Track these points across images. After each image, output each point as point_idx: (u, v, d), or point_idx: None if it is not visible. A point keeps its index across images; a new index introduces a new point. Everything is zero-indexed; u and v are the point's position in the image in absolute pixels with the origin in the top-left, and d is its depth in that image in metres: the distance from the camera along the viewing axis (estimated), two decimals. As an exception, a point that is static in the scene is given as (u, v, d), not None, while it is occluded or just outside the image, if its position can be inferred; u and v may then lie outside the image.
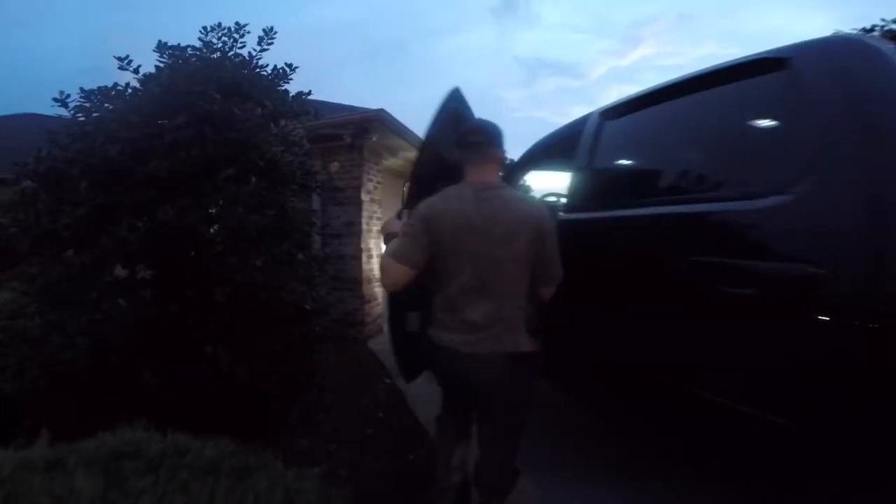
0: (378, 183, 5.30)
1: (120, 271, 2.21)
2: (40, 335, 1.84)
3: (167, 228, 1.82)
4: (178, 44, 2.28)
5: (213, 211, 2.07)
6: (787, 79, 1.21)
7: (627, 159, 1.97)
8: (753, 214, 1.17)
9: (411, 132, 5.29)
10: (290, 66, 2.61)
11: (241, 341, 1.87)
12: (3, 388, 1.93)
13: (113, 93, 2.09)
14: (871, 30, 5.43)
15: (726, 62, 1.47)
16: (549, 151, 2.59)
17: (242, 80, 2.37)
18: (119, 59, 2.11)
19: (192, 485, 1.00)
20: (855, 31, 5.11)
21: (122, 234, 1.74)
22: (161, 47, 2.24)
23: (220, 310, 1.97)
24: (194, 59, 2.25)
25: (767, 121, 1.34)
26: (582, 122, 2.13)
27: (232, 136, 2.12)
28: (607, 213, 1.74)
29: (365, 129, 4.77)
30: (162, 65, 2.24)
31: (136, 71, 2.19)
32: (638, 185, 1.76)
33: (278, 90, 2.60)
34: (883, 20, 5.29)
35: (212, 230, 2.10)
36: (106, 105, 2.09)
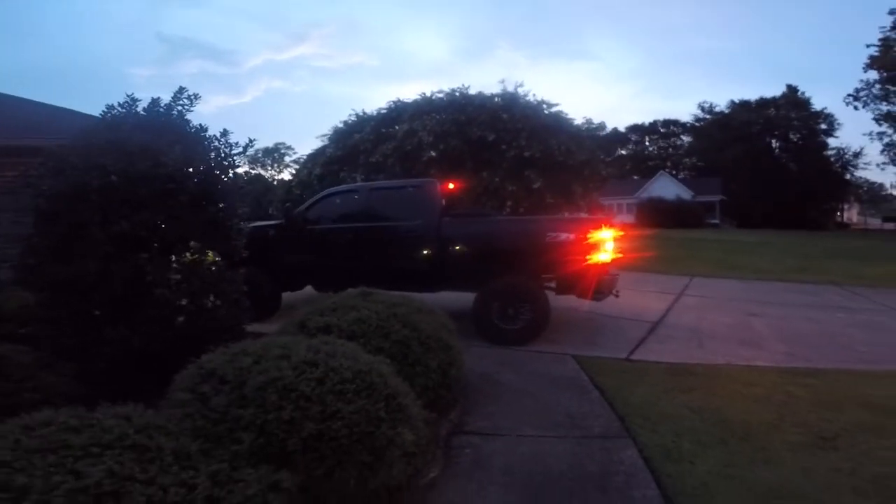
0: None
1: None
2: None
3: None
4: None
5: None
6: (420, 191, 5.61)
7: (356, 209, 5.80)
8: (409, 225, 5.23)
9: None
10: None
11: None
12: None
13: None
14: (468, 87, 9.92)
15: (401, 181, 6.92)
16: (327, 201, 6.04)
17: None
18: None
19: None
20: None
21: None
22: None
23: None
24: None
25: (412, 201, 5.49)
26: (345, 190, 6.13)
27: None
28: (348, 225, 5.64)
29: None
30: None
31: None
32: (360, 216, 5.64)
33: None
34: (462, 85, 9.89)
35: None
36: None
